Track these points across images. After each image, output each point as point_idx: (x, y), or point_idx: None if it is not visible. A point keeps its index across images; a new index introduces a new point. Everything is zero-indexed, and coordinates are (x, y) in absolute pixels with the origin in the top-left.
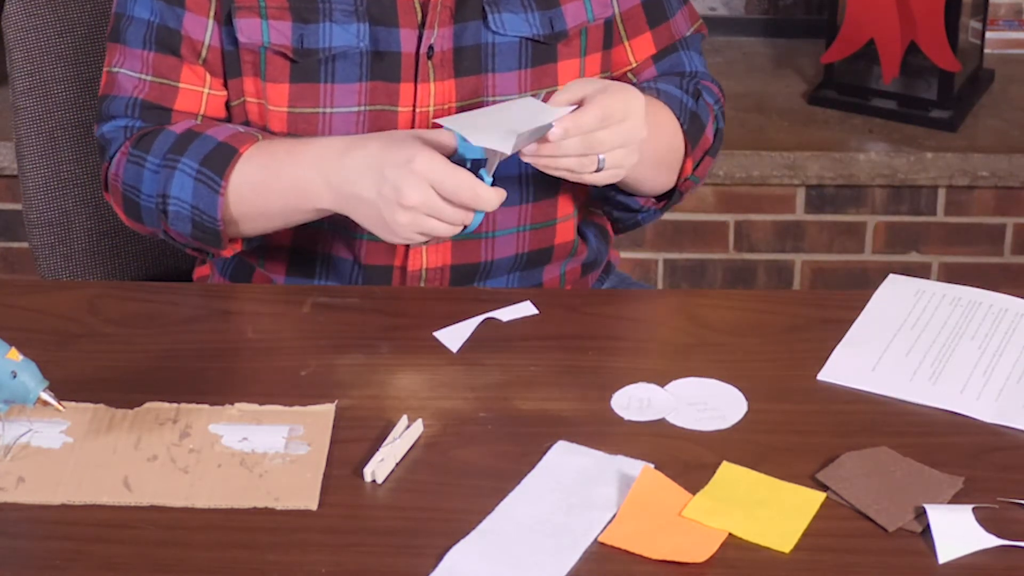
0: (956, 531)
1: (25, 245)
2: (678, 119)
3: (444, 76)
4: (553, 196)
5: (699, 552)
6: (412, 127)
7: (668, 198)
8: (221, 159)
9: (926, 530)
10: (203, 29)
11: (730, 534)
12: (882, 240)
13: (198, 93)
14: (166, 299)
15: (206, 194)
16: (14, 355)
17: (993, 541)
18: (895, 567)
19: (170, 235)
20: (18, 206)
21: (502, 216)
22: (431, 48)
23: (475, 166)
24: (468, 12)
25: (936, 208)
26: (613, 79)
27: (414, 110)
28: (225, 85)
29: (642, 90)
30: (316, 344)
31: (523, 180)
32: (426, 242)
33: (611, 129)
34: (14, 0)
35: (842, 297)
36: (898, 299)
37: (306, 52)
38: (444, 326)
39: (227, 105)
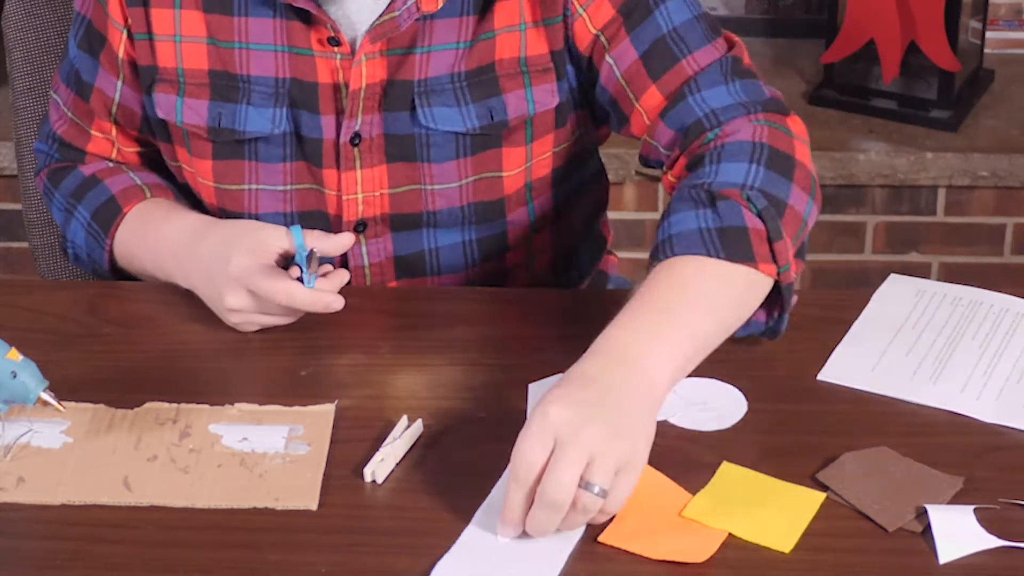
0: (957, 531)
1: (25, 245)
2: (711, 256)
3: (374, 162)
4: (502, 231)
5: (699, 552)
6: (340, 212)
7: (781, 298)
8: (107, 216)
9: (926, 530)
10: (113, 88)
11: (730, 534)
12: (882, 240)
13: (108, 143)
14: (166, 299)
15: (95, 247)
16: (14, 355)
17: (994, 542)
18: (895, 567)
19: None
20: (18, 206)
21: (447, 255)
22: (357, 135)
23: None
24: (396, 102)
25: (936, 208)
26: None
27: (339, 195)
28: (138, 141)
29: (656, 253)
30: (316, 344)
31: (465, 217)
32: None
33: (562, 460)
34: (14, 0)
35: (842, 297)
36: (898, 299)
37: (223, 132)
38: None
39: (142, 154)
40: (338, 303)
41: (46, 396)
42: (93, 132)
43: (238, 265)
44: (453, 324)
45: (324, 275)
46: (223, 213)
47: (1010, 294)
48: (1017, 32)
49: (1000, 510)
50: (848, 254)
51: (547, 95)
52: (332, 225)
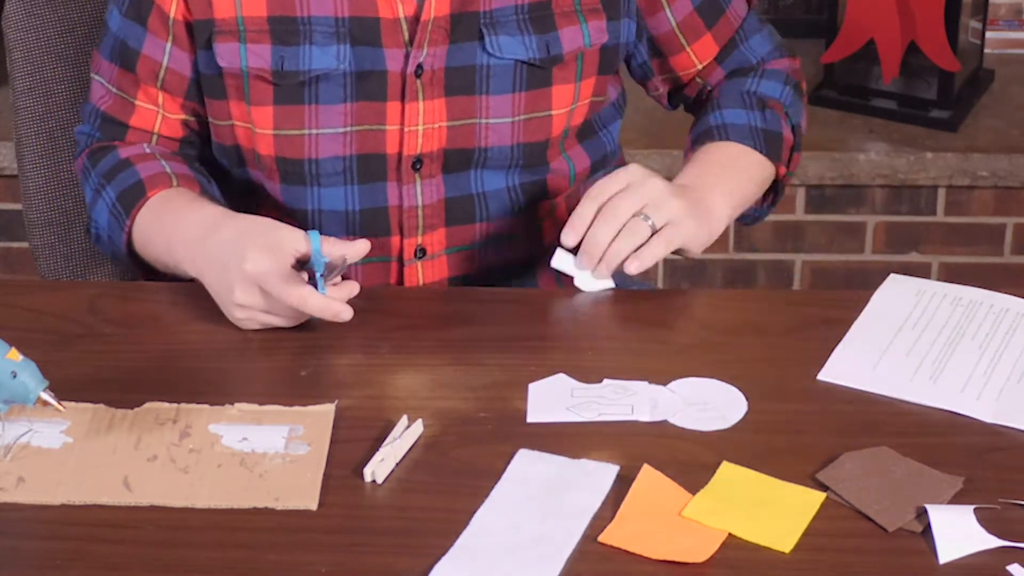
0: (957, 531)
1: (25, 245)
2: (756, 149)
3: (434, 95)
4: (543, 178)
5: (699, 552)
6: (400, 146)
7: (774, 192)
8: (131, 199)
9: (926, 530)
10: (161, 52)
11: (730, 534)
12: (882, 240)
13: (153, 113)
14: (166, 299)
15: (116, 228)
16: (14, 355)
17: (994, 542)
18: (895, 567)
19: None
20: (18, 206)
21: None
22: (420, 67)
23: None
24: (464, 33)
25: (936, 208)
26: (680, 83)
27: (402, 129)
28: (184, 108)
29: (711, 134)
30: (316, 344)
31: (513, 158)
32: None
33: (628, 193)
34: (14, 0)
35: (842, 297)
36: (898, 299)
37: (286, 75)
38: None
39: (185, 123)
40: (347, 313)
41: (46, 396)
42: (138, 102)
43: (255, 263)
44: (453, 324)
45: (335, 284)
46: (282, 163)
47: (1010, 294)
48: (1017, 32)
49: (1000, 510)
50: (848, 254)
51: (599, 32)
52: (389, 166)
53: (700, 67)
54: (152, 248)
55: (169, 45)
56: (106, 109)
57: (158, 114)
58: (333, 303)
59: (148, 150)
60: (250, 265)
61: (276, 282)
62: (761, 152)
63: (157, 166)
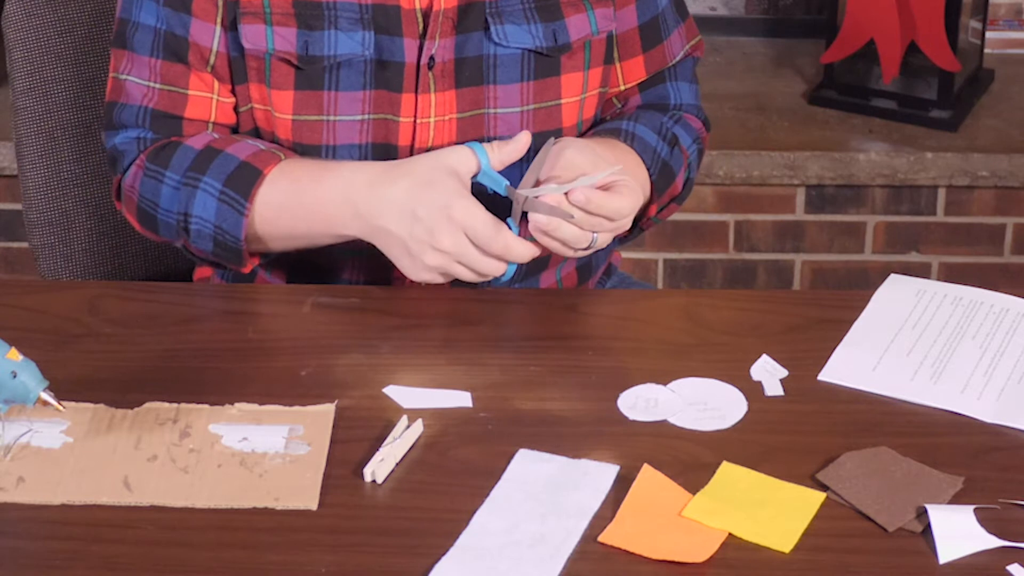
0: (957, 531)
1: (25, 245)
2: (648, 170)
3: (445, 87)
4: None
5: (699, 552)
6: (412, 138)
7: (629, 232)
8: (245, 180)
9: (926, 530)
10: (211, 36)
11: (730, 534)
12: (882, 240)
13: (207, 100)
14: (166, 299)
15: (230, 215)
16: (14, 355)
17: (994, 542)
18: (895, 567)
19: (189, 249)
20: (18, 206)
21: None
22: (432, 59)
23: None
24: (470, 23)
25: (936, 208)
26: (604, 100)
27: (415, 121)
28: (233, 91)
29: (618, 133)
30: (316, 344)
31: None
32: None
33: (616, 223)
34: (14, 0)
35: (842, 297)
36: (899, 299)
37: (311, 59)
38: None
39: (236, 110)
40: (537, 252)
41: (46, 396)
42: (191, 92)
43: (461, 209)
44: (453, 324)
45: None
46: (299, 148)
47: (1010, 294)
48: (1017, 32)
49: (1000, 510)
50: (848, 254)
51: (607, 20)
52: (401, 159)
53: (622, 88)
54: (284, 223)
55: (218, 28)
56: (155, 106)
57: (212, 100)
58: (533, 247)
59: (216, 136)
60: (457, 212)
61: (482, 229)
62: (651, 178)
63: (248, 145)
